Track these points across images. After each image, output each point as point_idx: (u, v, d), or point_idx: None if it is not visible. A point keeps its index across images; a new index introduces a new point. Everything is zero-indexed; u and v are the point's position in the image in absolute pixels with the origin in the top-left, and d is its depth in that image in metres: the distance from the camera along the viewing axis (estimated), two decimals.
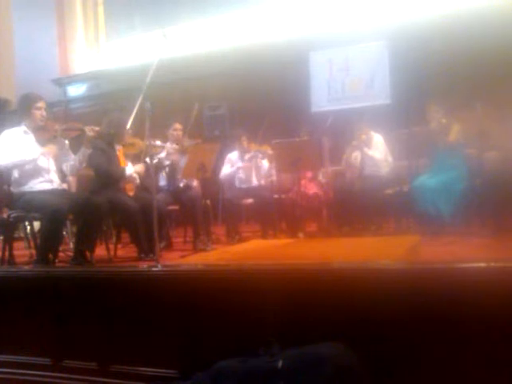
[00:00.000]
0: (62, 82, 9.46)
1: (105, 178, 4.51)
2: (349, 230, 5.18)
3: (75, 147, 4.33)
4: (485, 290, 2.41)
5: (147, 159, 4.70)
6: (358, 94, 7.23)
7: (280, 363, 2.53)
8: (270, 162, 5.72)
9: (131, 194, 4.63)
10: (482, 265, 2.57)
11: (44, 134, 4.21)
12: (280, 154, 5.24)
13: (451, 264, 2.73)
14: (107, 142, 4.60)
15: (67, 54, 9.66)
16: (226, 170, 5.76)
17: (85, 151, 4.26)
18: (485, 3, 6.35)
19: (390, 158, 5.40)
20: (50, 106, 5.60)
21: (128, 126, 4.07)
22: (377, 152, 5.39)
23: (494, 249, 3.58)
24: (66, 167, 4.36)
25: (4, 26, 9.42)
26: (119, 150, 4.76)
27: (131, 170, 4.61)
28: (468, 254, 3.38)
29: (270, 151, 5.61)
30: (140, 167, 4.69)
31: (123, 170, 4.62)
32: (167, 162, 5.13)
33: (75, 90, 9.46)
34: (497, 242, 3.87)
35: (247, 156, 5.68)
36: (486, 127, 4.68)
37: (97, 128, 4.26)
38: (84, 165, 4.43)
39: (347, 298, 2.64)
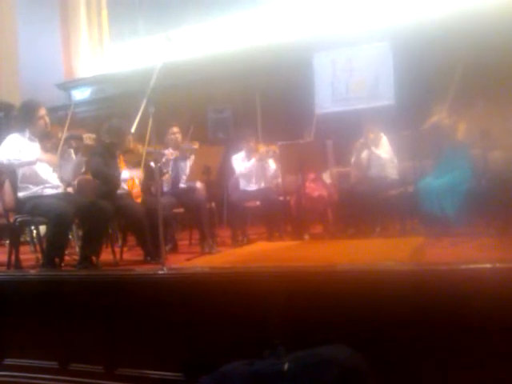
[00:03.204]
0: (66, 86, 9.50)
1: (102, 182, 4.51)
2: (354, 231, 5.18)
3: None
4: (491, 291, 2.41)
5: (152, 163, 4.72)
6: (361, 95, 7.22)
7: (286, 366, 2.53)
8: (278, 162, 5.70)
9: (139, 200, 4.65)
10: (488, 266, 2.56)
11: (48, 141, 4.24)
12: (285, 156, 5.24)
13: (457, 265, 2.72)
14: (107, 148, 4.61)
15: (71, 58, 9.69)
16: (241, 167, 5.74)
17: (81, 158, 4.28)
18: (488, 2, 6.34)
19: (395, 159, 5.39)
20: (54, 110, 5.63)
21: (133, 130, 4.09)
22: (384, 152, 5.40)
23: (500, 249, 3.57)
24: (66, 174, 4.37)
25: (8, 30, 9.45)
26: (119, 156, 4.78)
27: (127, 175, 4.59)
28: (473, 255, 3.38)
29: (277, 151, 5.59)
30: (137, 174, 4.67)
31: (119, 175, 4.62)
32: (165, 170, 5.14)
33: (79, 94, 9.49)
34: (502, 242, 3.86)
35: (257, 156, 5.66)
36: (490, 127, 4.67)
37: (93, 136, 4.28)
38: (82, 170, 4.45)
39: (353, 299, 2.64)
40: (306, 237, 5.19)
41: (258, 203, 5.59)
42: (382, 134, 5.47)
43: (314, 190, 5.53)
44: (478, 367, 2.43)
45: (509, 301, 2.37)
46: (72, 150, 4.35)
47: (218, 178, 5.42)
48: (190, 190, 5.24)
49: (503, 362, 2.40)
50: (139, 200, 4.64)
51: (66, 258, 4.42)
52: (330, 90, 7.43)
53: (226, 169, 5.83)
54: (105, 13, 9.66)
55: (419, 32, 6.51)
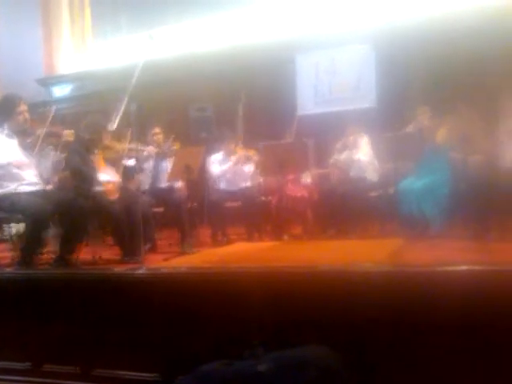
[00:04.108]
0: (46, 82, 9.39)
1: (79, 181, 4.45)
2: (333, 232, 5.19)
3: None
4: (468, 293, 2.43)
5: (128, 162, 4.69)
6: (344, 97, 7.24)
7: (264, 366, 2.53)
8: (256, 166, 5.73)
9: (114, 197, 4.60)
10: (465, 268, 2.59)
11: (27, 137, 4.18)
12: (267, 157, 5.25)
13: (435, 267, 2.75)
14: (84, 145, 4.56)
15: (53, 54, 9.57)
16: (216, 169, 5.75)
17: (60, 156, 4.24)
18: (471, 8, 6.40)
19: (375, 161, 5.42)
20: (34, 106, 5.55)
21: (114, 127, 4.05)
22: (363, 154, 5.43)
23: (477, 252, 3.60)
24: (45, 171, 4.32)
25: None
26: (99, 154, 4.73)
27: (106, 177, 4.52)
28: (451, 257, 3.40)
29: (255, 156, 5.64)
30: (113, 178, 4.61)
31: (95, 173, 4.57)
32: (145, 165, 5.11)
33: (60, 91, 9.38)
34: (480, 245, 3.90)
35: (233, 158, 5.68)
36: (470, 131, 4.72)
37: (72, 131, 4.24)
38: (61, 167, 4.40)
39: (332, 300, 2.65)
40: (286, 237, 5.20)
41: (238, 204, 5.59)
42: (363, 136, 5.50)
43: (295, 190, 5.54)
44: (455, 366, 2.46)
45: (485, 302, 2.40)
46: (51, 147, 4.30)
47: (199, 177, 5.40)
48: (171, 189, 5.22)
49: (480, 361, 2.42)
50: (114, 196, 4.58)
51: (44, 256, 4.37)
52: (313, 91, 7.43)
53: (206, 169, 5.81)
54: (88, 11, 9.56)
55: (402, 35, 6.54)
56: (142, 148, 5.10)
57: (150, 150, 5.16)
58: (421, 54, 6.40)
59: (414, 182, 4.88)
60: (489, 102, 5.19)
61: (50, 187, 4.63)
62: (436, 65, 6.23)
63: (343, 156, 5.49)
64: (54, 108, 4.63)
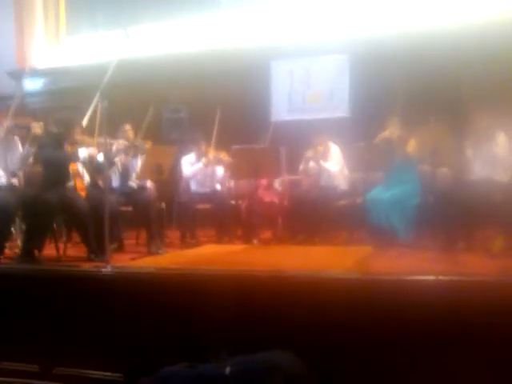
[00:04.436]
0: (18, 75, 9.20)
1: (55, 171, 4.36)
2: (302, 238, 5.21)
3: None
4: (433, 302, 2.46)
5: (99, 156, 4.62)
6: (317, 106, 7.29)
7: (228, 370, 2.52)
8: (226, 169, 5.72)
9: (83, 193, 4.53)
10: (431, 278, 2.62)
11: None
12: (238, 161, 5.24)
13: (401, 276, 2.78)
14: (55, 140, 4.48)
15: (25, 47, 9.39)
16: (187, 170, 5.74)
17: (29, 148, 4.16)
18: (445, 22, 6.53)
19: (345, 170, 5.46)
20: (4, 98, 5.44)
21: (84, 123, 3.98)
22: (333, 164, 5.45)
23: (443, 262, 3.66)
24: (11, 164, 4.23)
25: None
26: (68, 148, 4.66)
27: (85, 152, 4.46)
28: (417, 267, 3.45)
29: (225, 158, 5.62)
30: (93, 150, 4.56)
31: (67, 167, 4.49)
32: (116, 159, 5.03)
33: (32, 84, 9.21)
34: (446, 256, 3.96)
35: (204, 160, 5.66)
36: (439, 144, 4.79)
37: (41, 124, 4.16)
38: (30, 161, 4.31)
39: (298, 305, 2.66)
40: (255, 241, 5.20)
41: (208, 206, 5.56)
42: (334, 146, 5.52)
43: (266, 195, 5.55)
44: (420, 372, 2.48)
45: (449, 312, 2.43)
46: (18, 140, 4.22)
47: (170, 177, 5.36)
48: (140, 188, 5.17)
49: (444, 367, 2.46)
50: (83, 193, 4.52)
51: (6, 251, 4.27)
52: (287, 99, 7.46)
53: (177, 169, 5.77)
54: (62, 6, 9.42)
55: (377, 47, 6.62)
56: (111, 141, 5.01)
57: (120, 143, 5.06)
58: (394, 66, 6.49)
59: (383, 192, 4.93)
60: (459, 115, 5.28)
61: (15, 180, 4.54)
62: (409, 77, 6.32)
63: (313, 164, 5.51)
64: (18, 99, 4.56)
